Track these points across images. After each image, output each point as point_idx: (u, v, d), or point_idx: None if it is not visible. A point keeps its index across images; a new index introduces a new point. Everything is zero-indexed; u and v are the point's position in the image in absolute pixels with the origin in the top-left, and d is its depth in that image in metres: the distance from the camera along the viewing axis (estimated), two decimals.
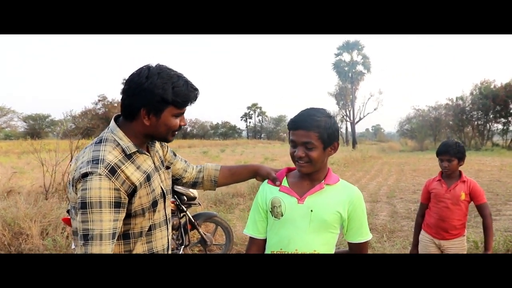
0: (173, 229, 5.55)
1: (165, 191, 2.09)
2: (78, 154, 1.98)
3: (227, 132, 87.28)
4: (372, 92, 79.66)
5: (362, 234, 2.09)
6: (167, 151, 2.31)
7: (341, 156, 26.78)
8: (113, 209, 1.78)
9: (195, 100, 1.98)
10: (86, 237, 1.74)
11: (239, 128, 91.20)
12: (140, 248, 1.98)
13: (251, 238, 2.20)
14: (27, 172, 14.22)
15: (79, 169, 1.81)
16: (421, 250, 3.96)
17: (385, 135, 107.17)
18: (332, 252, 2.11)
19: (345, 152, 32.81)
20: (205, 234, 5.93)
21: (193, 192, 5.75)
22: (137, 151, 1.95)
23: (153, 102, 1.86)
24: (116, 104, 61.63)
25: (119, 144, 1.91)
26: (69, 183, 1.90)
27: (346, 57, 54.96)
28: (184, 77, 1.95)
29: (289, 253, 2.03)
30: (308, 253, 2.02)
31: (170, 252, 2.17)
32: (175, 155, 2.39)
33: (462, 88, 76.77)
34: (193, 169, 2.47)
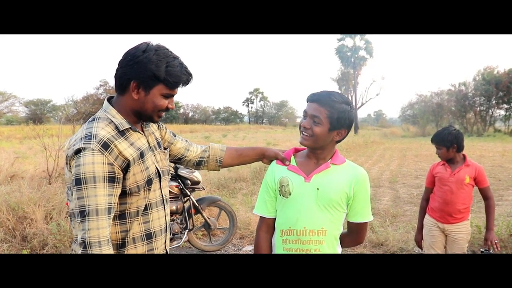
0: (177, 213, 5.56)
1: (161, 171, 2.08)
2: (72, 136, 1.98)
3: (229, 117, 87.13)
4: (375, 77, 79.50)
5: (364, 215, 2.14)
6: (165, 132, 2.31)
7: (343, 141, 26.65)
8: (107, 183, 1.78)
9: (187, 84, 1.97)
10: (83, 213, 1.74)
11: (241, 113, 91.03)
12: (137, 228, 1.98)
13: (261, 217, 2.25)
14: (29, 157, 14.22)
15: (72, 147, 1.82)
16: (425, 234, 3.97)
17: (387, 120, 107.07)
18: (340, 230, 2.15)
19: (347, 137, 32.68)
20: (209, 218, 5.94)
21: (197, 176, 5.75)
22: (130, 128, 1.95)
23: (144, 76, 1.86)
24: None
25: (112, 121, 1.91)
26: (64, 162, 1.90)
27: (348, 42, 54.57)
28: (181, 60, 1.94)
29: (298, 230, 2.07)
30: (316, 229, 2.06)
31: (167, 232, 2.17)
32: (174, 135, 2.39)
33: (465, 74, 76.13)
34: (197, 148, 2.46)
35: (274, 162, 2.27)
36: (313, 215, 2.06)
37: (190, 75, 1.96)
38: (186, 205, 5.72)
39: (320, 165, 2.10)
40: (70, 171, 1.81)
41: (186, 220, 5.66)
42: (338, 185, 2.06)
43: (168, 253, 2.19)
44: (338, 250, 2.17)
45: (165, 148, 2.23)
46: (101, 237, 1.75)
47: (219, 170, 2.54)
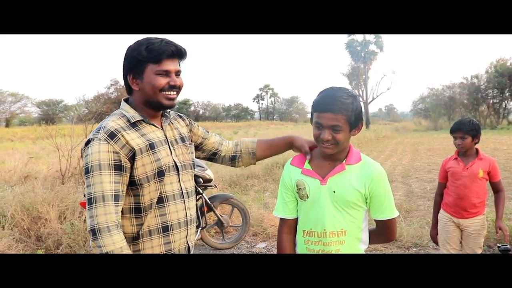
0: None
1: (180, 165, 2.10)
2: None
3: (239, 113, 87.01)
4: (385, 71, 79.03)
5: (384, 212, 2.08)
6: (198, 129, 2.36)
7: (355, 136, 26.59)
8: (113, 171, 1.85)
9: (176, 55, 2.00)
10: (90, 201, 1.81)
11: (251, 110, 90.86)
12: (153, 220, 1.99)
13: (282, 219, 2.21)
14: (42, 157, 14.35)
15: (85, 140, 1.94)
16: (441, 229, 3.93)
17: (398, 115, 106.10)
18: (361, 227, 2.11)
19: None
20: (221, 216, 5.94)
21: (209, 174, 5.75)
22: (143, 120, 2.02)
23: (132, 65, 1.97)
24: None
25: (124, 115, 2.00)
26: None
27: (358, 36, 54.19)
28: (167, 39, 2.00)
29: (319, 232, 2.05)
30: (336, 231, 2.04)
31: (190, 226, 2.16)
32: (207, 132, 2.44)
33: (477, 66, 75.17)
34: (229, 143, 2.49)
35: (288, 163, 2.23)
36: (332, 217, 2.04)
37: (175, 45, 1.98)
38: (199, 203, 5.72)
39: (335, 167, 2.06)
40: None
41: (198, 218, 5.65)
42: (353, 186, 2.03)
43: (191, 247, 2.18)
44: (361, 247, 2.13)
45: (191, 142, 2.29)
46: (109, 222, 1.79)
47: (254, 163, 2.55)
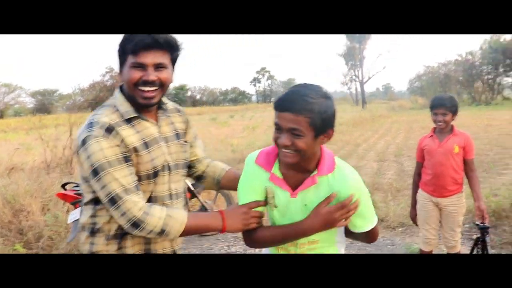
0: None
1: (171, 165, 1.94)
2: None
3: (236, 97, 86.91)
4: (381, 51, 78.78)
5: (362, 225, 1.83)
6: (190, 130, 2.16)
7: (350, 116, 26.67)
8: (124, 164, 1.74)
9: (154, 45, 1.78)
10: (113, 200, 1.71)
11: (248, 93, 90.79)
12: None
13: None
14: (34, 148, 14.25)
15: (78, 137, 1.78)
16: (419, 209, 3.86)
17: (396, 93, 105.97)
18: (335, 236, 1.86)
19: (354, 112, 32.69)
20: (205, 202, 5.83)
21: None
22: (138, 116, 1.86)
23: (118, 57, 1.85)
24: None
25: (118, 109, 1.85)
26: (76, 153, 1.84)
27: None
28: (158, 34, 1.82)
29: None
30: (307, 241, 1.79)
31: None
32: (196, 138, 2.22)
33: (472, 43, 75.56)
34: (204, 162, 2.25)
35: (253, 162, 1.86)
36: None
37: (153, 36, 1.78)
38: None
39: (306, 179, 1.76)
40: (82, 164, 1.77)
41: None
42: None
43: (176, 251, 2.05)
44: (338, 247, 1.90)
45: (186, 141, 2.09)
46: (142, 208, 1.71)
47: (217, 190, 2.35)
